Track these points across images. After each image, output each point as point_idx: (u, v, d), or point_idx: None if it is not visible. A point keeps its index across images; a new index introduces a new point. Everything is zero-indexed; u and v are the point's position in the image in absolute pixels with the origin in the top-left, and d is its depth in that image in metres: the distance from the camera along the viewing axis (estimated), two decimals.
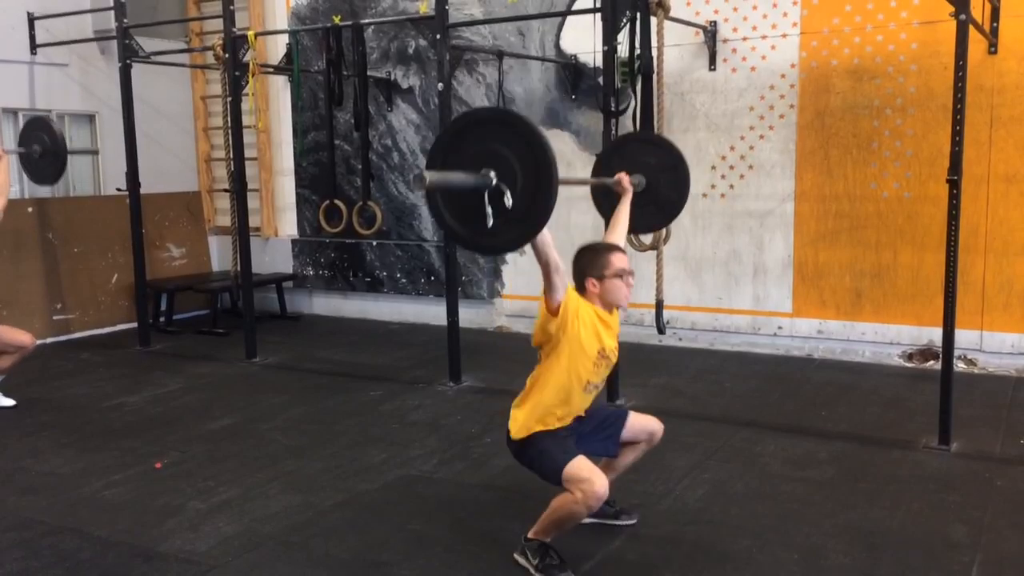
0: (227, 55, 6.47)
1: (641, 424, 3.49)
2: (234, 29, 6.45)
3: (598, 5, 5.35)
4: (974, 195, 5.74)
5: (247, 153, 6.95)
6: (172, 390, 5.92)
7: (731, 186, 6.58)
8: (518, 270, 7.40)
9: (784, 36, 6.27)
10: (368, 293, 8.23)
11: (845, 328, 6.32)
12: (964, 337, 5.78)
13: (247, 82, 6.62)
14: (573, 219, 7.03)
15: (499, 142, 2.78)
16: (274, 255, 8.63)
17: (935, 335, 5.50)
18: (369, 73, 7.24)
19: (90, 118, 8.11)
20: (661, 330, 5.79)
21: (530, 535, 3.22)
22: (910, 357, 6.14)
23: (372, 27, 7.65)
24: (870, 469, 4.22)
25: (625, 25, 5.45)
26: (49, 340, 7.50)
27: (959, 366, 5.76)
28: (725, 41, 6.47)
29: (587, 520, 3.28)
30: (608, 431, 3.37)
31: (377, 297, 8.22)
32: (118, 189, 7.36)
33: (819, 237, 6.34)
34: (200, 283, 8.25)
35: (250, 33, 6.53)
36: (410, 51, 7.75)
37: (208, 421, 5.19)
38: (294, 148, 8.26)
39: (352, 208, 7.14)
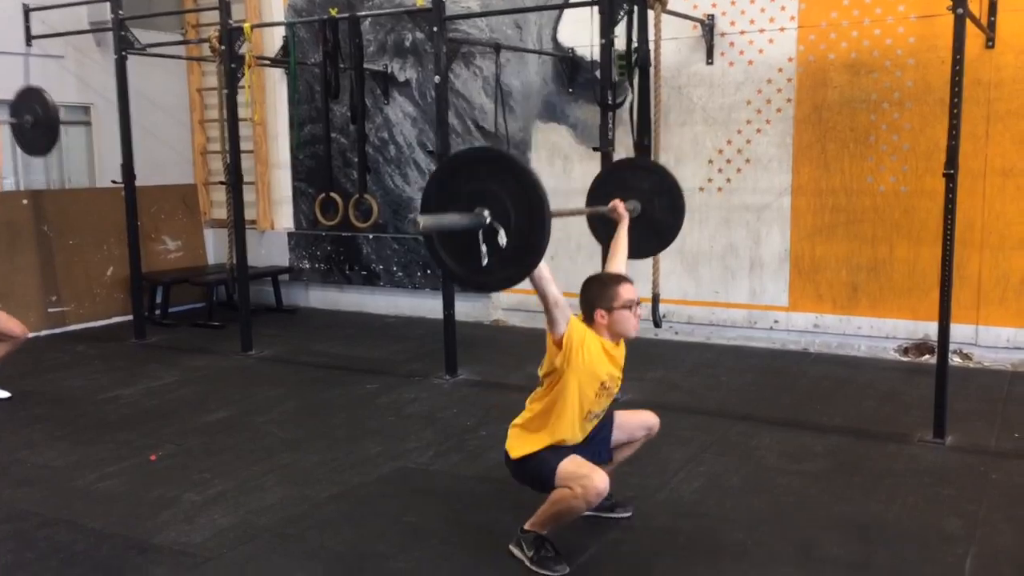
0: (223, 47, 6.45)
1: (636, 421, 3.50)
2: (230, 21, 6.43)
3: None
4: (971, 189, 5.74)
5: (243, 146, 6.94)
6: (167, 383, 5.91)
7: (728, 180, 6.58)
8: None
9: (782, 30, 6.26)
10: (364, 286, 8.22)
11: (841, 322, 6.33)
12: (960, 331, 5.78)
13: (243, 74, 6.61)
14: None
15: (492, 181, 2.80)
16: (270, 248, 8.61)
17: (931, 329, 5.51)
18: (366, 66, 7.22)
19: (85, 110, 8.08)
20: (658, 324, 5.80)
21: (526, 527, 3.22)
22: (906, 351, 6.14)
23: (369, 19, 7.62)
24: (865, 462, 4.23)
25: (623, 18, 5.44)
26: (44, 333, 7.49)
27: (955, 360, 5.77)
28: (723, 35, 6.46)
29: (574, 517, 3.27)
30: (596, 437, 3.36)
31: (373, 290, 8.21)
32: (113, 181, 7.34)
33: (816, 231, 6.34)
34: (196, 276, 8.24)
35: (246, 25, 6.51)
36: (407, 44, 7.74)
37: (203, 414, 5.18)
38: (290, 141, 8.24)
39: (348, 201, 7.13)
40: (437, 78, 5.71)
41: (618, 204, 3.79)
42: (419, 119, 7.77)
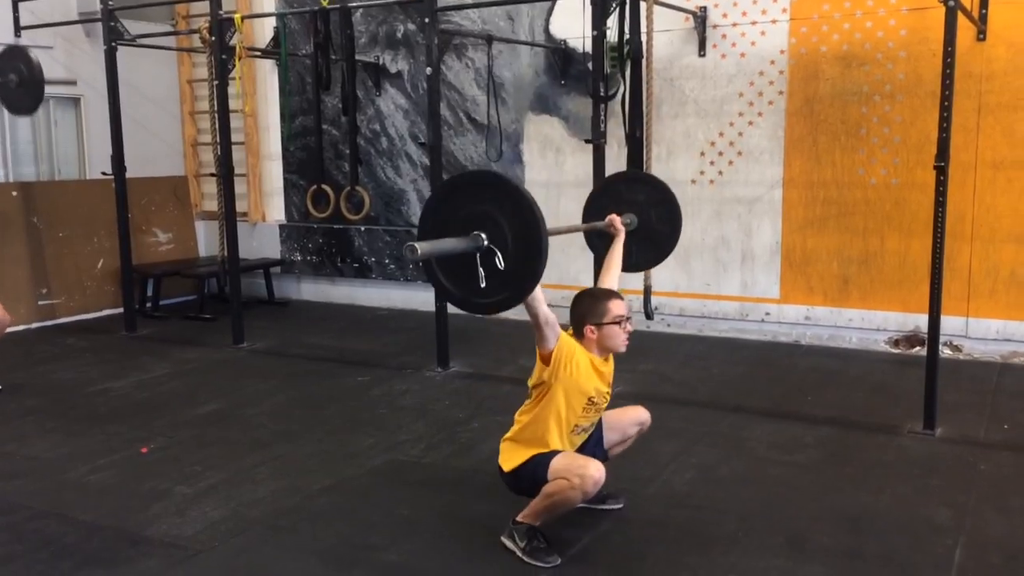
0: (213, 38, 6.41)
1: (627, 419, 3.52)
2: (221, 12, 6.39)
3: None
4: (961, 182, 5.76)
5: (234, 137, 6.91)
6: (158, 375, 5.90)
7: (720, 172, 6.59)
8: None
9: (774, 22, 6.26)
10: (356, 279, 8.21)
11: (832, 314, 6.35)
12: (950, 323, 5.80)
13: (234, 66, 6.57)
14: (563, 206, 7.04)
15: (488, 204, 2.81)
16: (261, 240, 8.59)
17: (921, 321, 5.53)
18: (357, 57, 7.20)
19: (75, 101, 8.03)
20: (649, 316, 5.81)
21: (519, 518, 3.22)
22: (896, 343, 6.17)
23: (360, 10, 7.58)
24: (856, 454, 4.25)
25: (614, 10, 5.44)
26: (34, 325, 7.46)
27: (945, 352, 5.80)
28: (715, 27, 6.45)
29: (568, 509, 3.28)
30: (589, 442, 3.37)
31: (365, 283, 8.20)
32: (103, 173, 7.30)
33: (807, 224, 6.35)
34: (187, 268, 8.21)
35: (237, 16, 6.47)
36: (399, 35, 7.71)
37: (195, 406, 5.17)
38: (281, 132, 8.21)
39: (340, 193, 7.13)
40: (429, 70, 5.69)
41: (614, 219, 3.80)
42: (411, 111, 7.75)
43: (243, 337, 6.72)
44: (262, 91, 8.49)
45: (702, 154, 6.62)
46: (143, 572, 3.19)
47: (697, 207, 6.67)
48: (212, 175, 7.16)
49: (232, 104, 6.67)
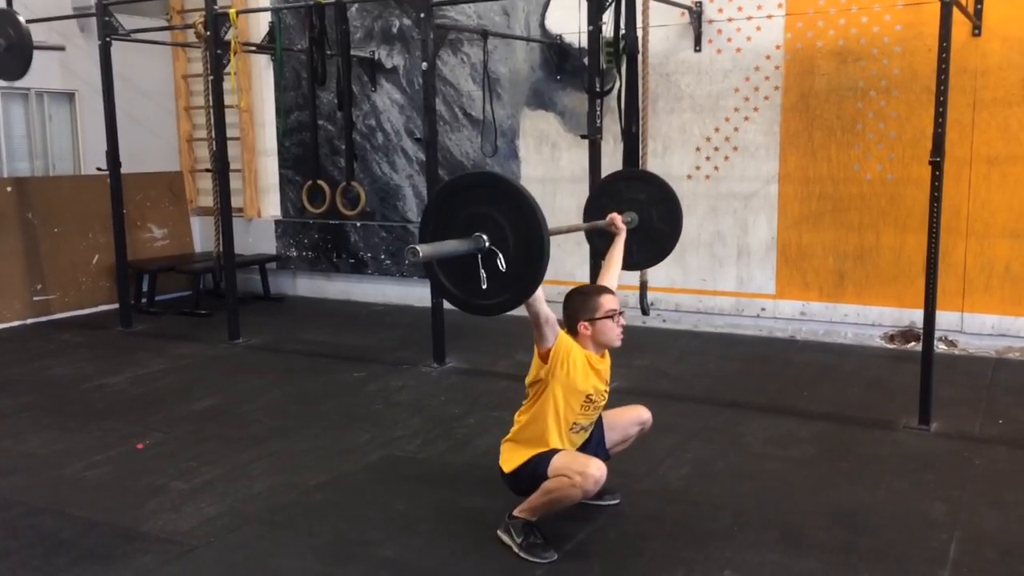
0: (208, 33, 6.40)
1: (628, 419, 3.53)
2: (215, 6, 6.37)
3: None
4: (956, 177, 5.77)
5: (229, 133, 6.90)
6: (154, 371, 5.89)
7: (716, 168, 6.59)
8: None
9: (769, 17, 6.26)
10: (352, 274, 8.20)
11: (827, 310, 6.36)
12: (945, 318, 5.82)
13: (229, 61, 6.55)
14: (559, 202, 7.04)
15: (490, 205, 2.82)
16: (257, 236, 8.58)
17: (916, 316, 5.54)
18: (353, 52, 7.19)
19: (70, 96, 8.01)
20: (645, 311, 5.82)
21: (515, 513, 3.23)
22: (891, 338, 6.18)
23: (356, 5, 7.57)
24: (851, 449, 4.26)
25: (610, 5, 5.43)
26: (29, 321, 7.44)
27: (940, 347, 5.81)
28: (711, 22, 6.45)
29: (566, 506, 3.28)
30: (590, 443, 3.38)
31: (361, 278, 8.19)
32: (98, 168, 7.28)
33: (802, 219, 6.36)
34: (182, 264, 8.20)
35: (232, 11, 6.46)
36: (394, 30, 7.69)
37: (190, 402, 5.16)
38: (277, 128, 8.18)
39: (336, 189, 7.11)
40: (424, 65, 5.68)
41: (615, 217, 3.81)
42: (406, 106, 7.73)
43: (239, 333, 6.72)
44: (257, 86, 8.47)
45: (698, 149, 6.62)
46: (139, 568, 3.18)
47: (693, 202, 6.66)
48: (207, 171, 7.16)
49: (227, 99, 6.66)
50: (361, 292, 8.23)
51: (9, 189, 7.42)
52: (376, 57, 7.78)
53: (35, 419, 4.91)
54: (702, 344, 6.39)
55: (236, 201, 7.75)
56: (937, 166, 4.32)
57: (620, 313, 3.28)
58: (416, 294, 7.71)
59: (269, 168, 8.57)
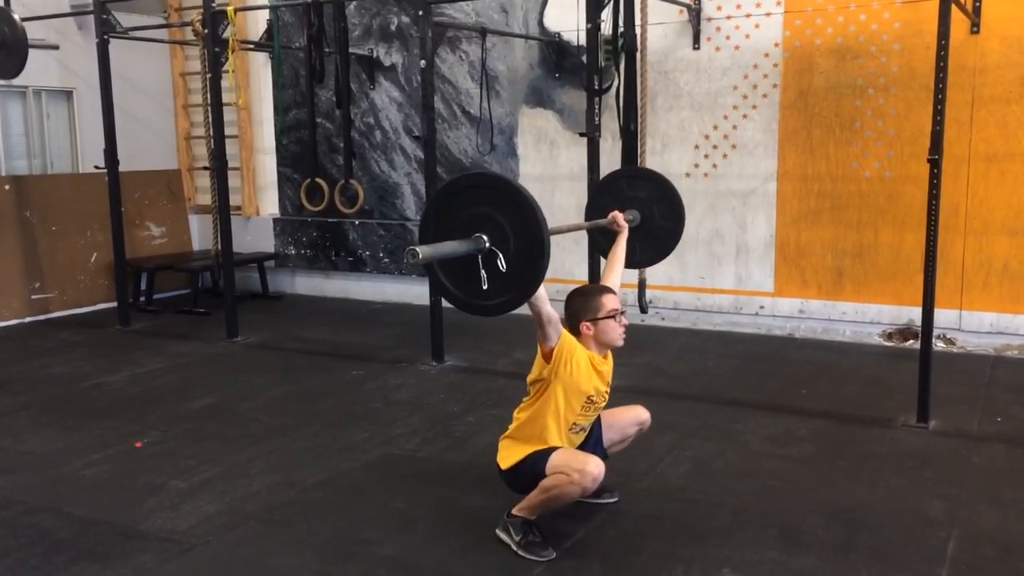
0: (206, 31, 6.38)
1: (626, 419, 3.53)
2: (213, 4, 6.36)
3: None
4: (955, 175, 5.77)
5: (227, 131, 6.89)
6: (152, 370, 5.88)
7: (714, 165, 6.58)
8: None
9: (768, 15, 6.26)
10: (350, 272, 8.20)
11: (826, 307, 6.36)
12: (943, 316, 5.82)
13: (227, 59, 6.55)
14: (557, 200, 7.04)
15: (490, 206, 2.81)
16: (255, 234, 8.57)
17: (915, 314, 5.55)
18: (351, 50, 7.18)
19: (67, 94, 8.00)
20: (644, 309, 5.82)
21: (514, 511, 3.23)
22: (890, 336, 6.18)
23: (354, 3, 7.56)
24: (849, 446, 4.26)
25: (609, 2, 5.43)
26: (28, 319, 7.44)
27: (938, 345, 5.82)
28: (709, 20, 6.44)
29: (565, 504, 3.28)
30: (589, 442, 3.38)
31: (360, 276, 8.19)
32: (96, 167, 7.27)
33: (801, 217, 6.36)
34: (180, 262, 8.20)
35: (229, 8, 6.44)
36: (392, 28, 7.69)
37: (189, 400, 5.16)
38: (275, 126, 8.18)
39: (334, 187, 7.10)
40: (423, 62, 5.67)
41: (617, 216, 3.80)
42: (405, 104, 7.73)
43: (237, 331, 6.71)
44: (255, 84, 8.46)
45: (696, 147, 6.62)
46: (138, 567, 3.18)
47: (691, 200, 6.61)
48: (205, 169, 7.15)
49: (225, 97, 6.65)
50: (360, 290, 8.23)
51: (7, 187, 7.41)
52: (374, 55, 7.77)
53: (34, 418, 4.90)
54: (701, 342, 6.39)
55: (234, 199, 7.76)
56: (935, 164, 4.32)
57: (622, 312, 3.28)
58: (415, 292, 7.71)
59: (267, 166, 8.56)
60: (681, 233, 4.10)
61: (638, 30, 5.54)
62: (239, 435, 4.56)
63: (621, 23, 5.50)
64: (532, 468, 3.17)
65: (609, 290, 3.35)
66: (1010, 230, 5.75)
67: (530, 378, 3.25)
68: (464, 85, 7.42)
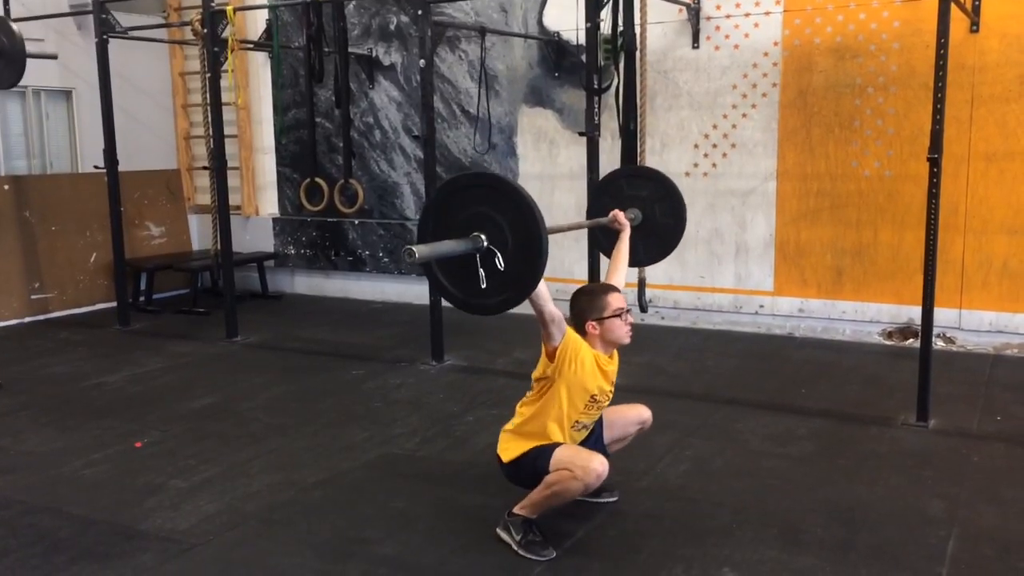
0: (205, 30, 6.38)
1: (628, 417, 3.53)
2: (212, 3, 6.37)
3: None
4: (954, 174, 5.77)
5: (227, 130, 6.88)
6: (152, 369, 5.88)
7: (713, 165, 6.58)
8: None
9: (767, 14, 6.25)
10: (350, 272, 8.20)
11: (826, 306, 6.36)
12: (943, 315, 5.82)
13: (226, 58, 6.54)
14: (556, 199, 7.04)
15: (488, 205, 2.81)
16: (255, 234, 8.57)
17: (915, 313, 5.55)
18: (350, 50, 7.17)
19: (67, 94, 7.99)
20: (643, 308, 5.82)
21: (515, 510, 3.23)
22: (890, 335, 6.18)
23: (353, 2, 7.56)
24: (849, 446, 4.26)
25: (608, 2, 5.43)
26: (27, 319, 7.44)
27: (938, 344, 5.82)
28: (708, 19, 6.44)
29: (567, 502, 3.28)
30: (589, 439, 3.37)
31: (359, 276, 8.19)
32: (96, 167, 7.27)
33: (800, 216, 6.36)
34: (180, 262, 8.19)
35: (229, 8, 6.43)
36: (392, 27, 7.68)
37: (189, 400, 5.16)
38: (274, 125, 8.18)
39: (333, 186, 7.10)
40: (422, 62, 5.67)
41: (618, 214, 3.79)
42: (404, 103, 7.72)
43: (237, 331, 6.71)
44: (255, 84, 8.46)
45: (696, 146, 6.62)
46: (138, 566, 3.18)
47: (691, 199, 6.55)
48: (205, 168, 7.14)
49: (225, 97, 6.64)
50: (359, 290, 8.23)
51: (6, 187, 7.41)
52: (374, 54, 7.77)
53: (33, 418, 4.90)
54: (700, 341, 6.39)
55: (234, 199, 7.76)
56: (935, 163, 4.32)
57: (627, 311, 3.27)
58: (414, 292, 7.71)
59: (267, 166, 8.56)
60: (683, 230, 4.09)
61: (637, 29, 5.54)
62: (239, 435, 4.56)
63: (620, 22, 5.50)
64: (534, 462, 3.17)
65: (614, 289, 3.35)
66: (1010, 229, 5.75)
67: (535, 375, 3.24)
68: (463, 84, 7.42)
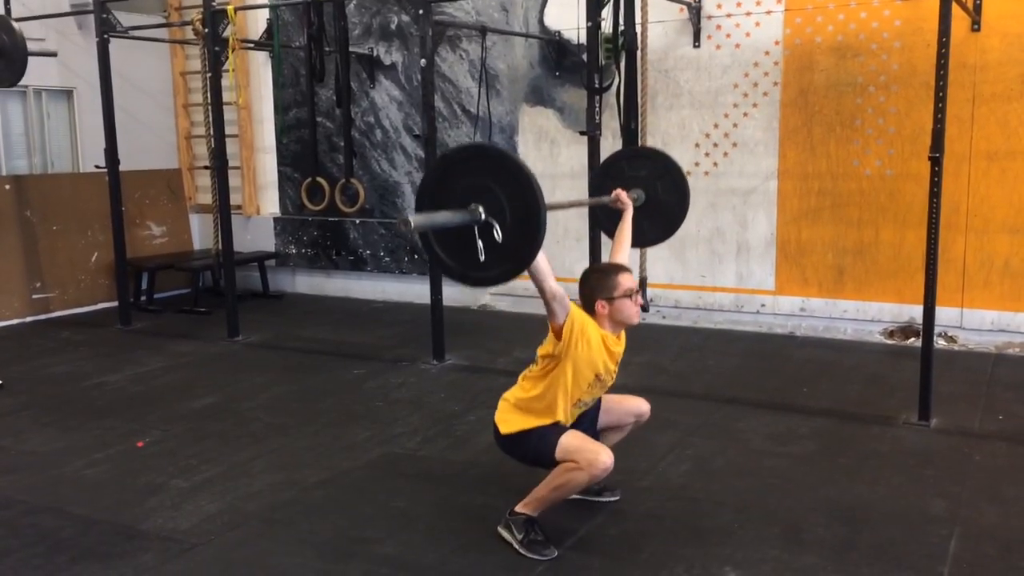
0: (206, 30, 6.38)
1: (625, 407, 3.51)
2: (213, 3, 6.36)
3: None
4: (956, 173, 5.77)
5: (228, 130, 6.88)
6: (153, 369, 5.89)
7: (715, 164, 6.58)
8: None
9: (768, 13, 6.25)
10: (351, 271, 8.20)
11: (827, 306, 6.36)
12: (944, 314, 5.82)
13: (227, 58, 6.54)
14: (557, 198, 7.02)
15: (486, 176, 2.78)
16: (256, 233, 8.57)
17: (916, 312, 5.54)
18: (351, 49, 7.17)
19: (68, 94, 8.00)
20: (645, 308, 5.79)
21: (517, 509, 3.22)
22: (891, 334, 6.18)
23: (354, 2, 7.56)
24: (851, 445, 4.26)
25: (609, 1, 5.42)
26: (28, 319, 7.44)
27: (939, 343, 5.81)
28: (709, 18, 6.44)
29: (571, 496, 3.28)
30: (583, 420, 3.36)
31: (360, 275, 8.19)
32: (97, 166, 7.27)
33: (802, 215, 6.36)
34: (181, 261, 8.19)
35: (229, 7, 6.44)
36: (392, 27, 7.68)
37: (190, 400, 5.16)
38: (275, 125, 8.18)
39: (334, 186, 7.10)
40: (423, 61, 5.67)
41: (621, 193, 3.75)
42: (405, 103, 7.72)
43: (238, 330, 6.71)
44: (255, 83, 8.46)
45: (697, 145, 6.61)
46: (139, 566, 3.18)
47: (692, 198, 6.55)
48: (206, 168, 7.14)
49: (225, 96, 6.65)
50: (360, 289, 8.23)
51: (7, 187, 7.41)
52: (375, 54, 7.77)
53: (35, 417, 4.90)
54: (701, 340, 6.39)
55: (235, 198, 7.76)
56: (936, 162, 4.32)
57: (637, 292, 3.25)
58: (415, 291, 7.71)
59: (268, 165, 8.56)
60: (687, 206, 4.04)
61: (638, 28, 5.55)
62: (240, 434, 4.56)
63: (621, 21, 5.50)
64: (536, 443, 3.15)
65: (625, 269, 3.31)
66: (1011, 228, 5.75)
67: (540, 351, 3.21)
68: (464, 84, 7.42)
